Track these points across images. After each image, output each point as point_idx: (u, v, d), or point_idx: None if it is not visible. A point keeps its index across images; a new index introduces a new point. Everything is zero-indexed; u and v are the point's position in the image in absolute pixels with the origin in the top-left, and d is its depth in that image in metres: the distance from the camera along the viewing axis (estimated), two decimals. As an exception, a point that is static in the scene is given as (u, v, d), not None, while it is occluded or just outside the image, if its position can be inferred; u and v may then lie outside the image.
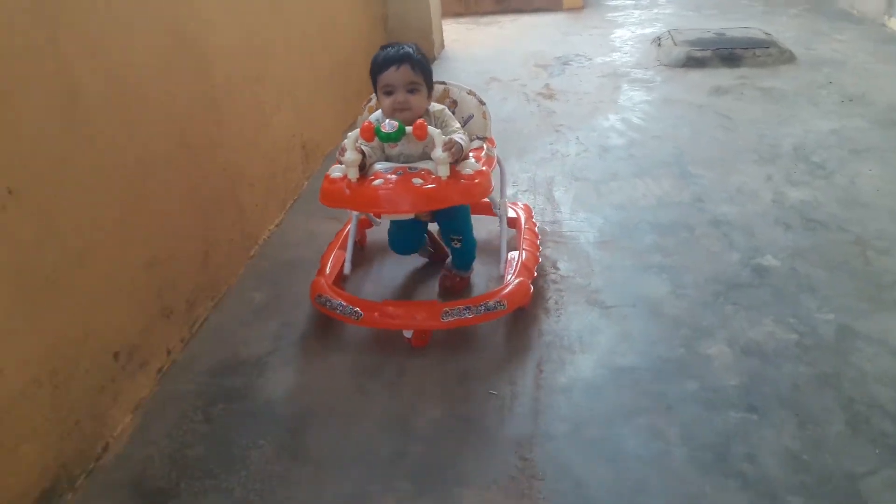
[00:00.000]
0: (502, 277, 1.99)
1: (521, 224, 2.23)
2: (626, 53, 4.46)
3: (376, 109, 1.98)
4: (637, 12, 5.63)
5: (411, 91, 1.82)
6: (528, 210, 2.35)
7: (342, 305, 1.88)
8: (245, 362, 1.88)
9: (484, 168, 1.79)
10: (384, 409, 1.68)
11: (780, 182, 2.59)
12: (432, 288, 2.11)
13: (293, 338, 1.96)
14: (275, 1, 2.63)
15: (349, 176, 1.74)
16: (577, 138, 3.15)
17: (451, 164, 1.72)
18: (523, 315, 1.94)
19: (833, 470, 1.41)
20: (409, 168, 1.77)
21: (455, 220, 2.00)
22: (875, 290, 1.93)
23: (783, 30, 4.59)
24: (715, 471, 1.44)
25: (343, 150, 1.73)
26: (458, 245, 2.02)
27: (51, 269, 1.46)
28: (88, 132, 1.57)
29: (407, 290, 2.13)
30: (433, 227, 2.15)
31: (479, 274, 2.13)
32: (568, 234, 2.35)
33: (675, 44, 4.29)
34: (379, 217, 2.26)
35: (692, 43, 4.26)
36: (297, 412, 1.70)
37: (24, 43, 1.39)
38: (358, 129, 1.72)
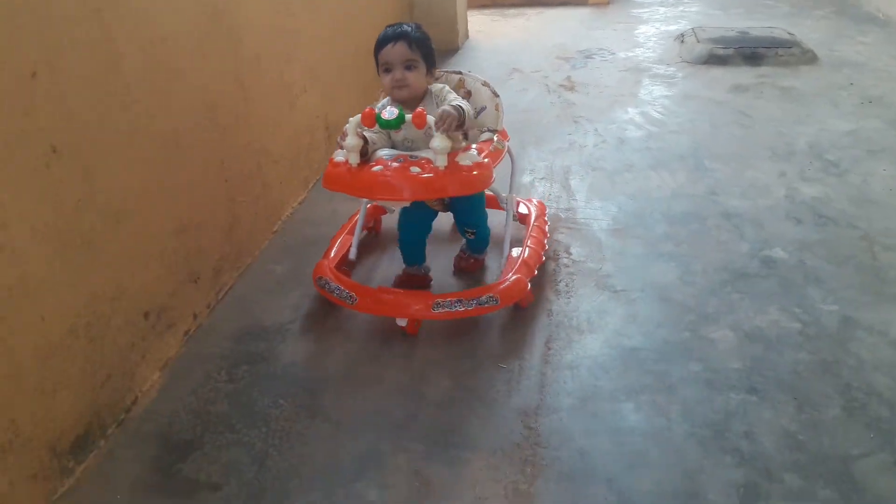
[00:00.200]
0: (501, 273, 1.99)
1: (530, 221, 2.22)
2: (649, 49, 4.49)
3: None
4: (662, 9, 5.64)
5: (409, 68, 1.85)
6: (541, 207, 2.33)
7: (339, 289, 1.94)
8: (267, 329, 1.96)
9: (485, 160, 1.78)
10: (397, 377, 1.76)
11: (793, 178, 2.63)
12: (440, 278, 2.13)
13: (312, 309, 2.04)
14: (305, -16, 2.71)
15: (350, 161, 1.76)
16: (596, 130, 3.20)
17: (451, 145, 1.70)
18: (533, 295, 2.01)
19: (828, 451, 1.47)
20: (411, 156, 1.79)
21: (470, 214, 2.04)
22: (879, 284, 1.98)
23: (808, 31, 4.60)
24: (713, 447, 1.50)
25: (344, 135, 1.75)
26: (472, 237, 2.08)
27: (89, 228, 1.55)
28: (126, 100, 1.65)
29: None
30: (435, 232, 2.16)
31: (488, 265, 2.17)
32: (582, 220, 2.41)
33: (698, 41, 4.32)
34: (382, 203, 2.25)
35: (715, 41, 4.29)
36: (315, 376, 1.78)
37: (71, 13, 1.47)
38: (359, 115, 1.72)
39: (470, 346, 1.85)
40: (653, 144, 3.02)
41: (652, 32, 4.90)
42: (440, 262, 2.18)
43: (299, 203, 2.63)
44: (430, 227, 2.10)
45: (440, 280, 2.12)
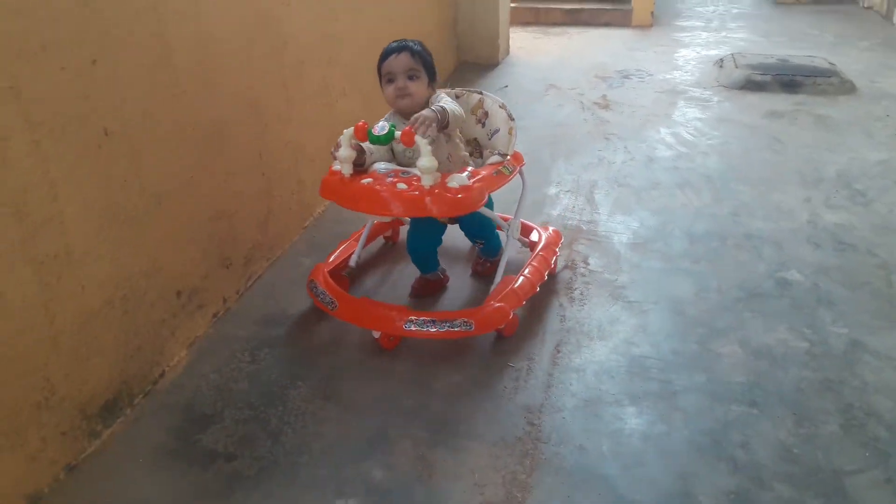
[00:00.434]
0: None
1: (535, 249, 2.16)
2: (688, 72, 4.53)
3: None
4: (705, 34, 5.66)
5: (411, 77, 1.90)
6: (554, 237, 2.23)
7: (324, 294, 1.97)
8: (291, 317, 2.06)
9: (474, 184, 1.76)
10: (409, 369, 1.84)
11: (817, 204, 2.65)
12: (456, 281, 2.19)
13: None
14: (352, -7, 2.83)
15: (343, 171, 1.80)
16: (626, 147, 3.25)
17: (438, 165, 1.70)
18: (548, 301, 2.07)
19: (822, 465, 1.50)
20: (402, 172, 1.81)
21: (476, 227, 2.08)
22: (892, 311, 2.00)
23: (850, 62, 4.58)
24: (709, 453, 1.54)
25: (338, 146, 1.79)
26: (482, 246, 2.15)
27: (132, 207, 1.66)
28: (175, 91, 1.77)
29: (412, 303, 2.13)
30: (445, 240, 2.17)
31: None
32: (602, 233, 2.47)
33: (737, 66, 4.34)
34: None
35: (753, 67, 4.31)
36: (332, 363, 1.87)
37: (129, 8, 1.60)
38: (353, 127, 1.75)
39: (481, 345, 1.91)
40: (681, 164, 3.06)
41: (692, 56, 4.93)
42: (460, 263, 2.26)
43: (331, 202, 2.72)
44: (439, 240, 2.11)
45: (456, 282, 2.19)
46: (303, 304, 2.10)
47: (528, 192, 2.17)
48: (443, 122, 1.79)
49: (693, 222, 2.54)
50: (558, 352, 1.88)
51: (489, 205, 2.07)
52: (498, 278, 1.99)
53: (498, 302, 1.89)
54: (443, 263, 2.17)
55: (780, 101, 3.87)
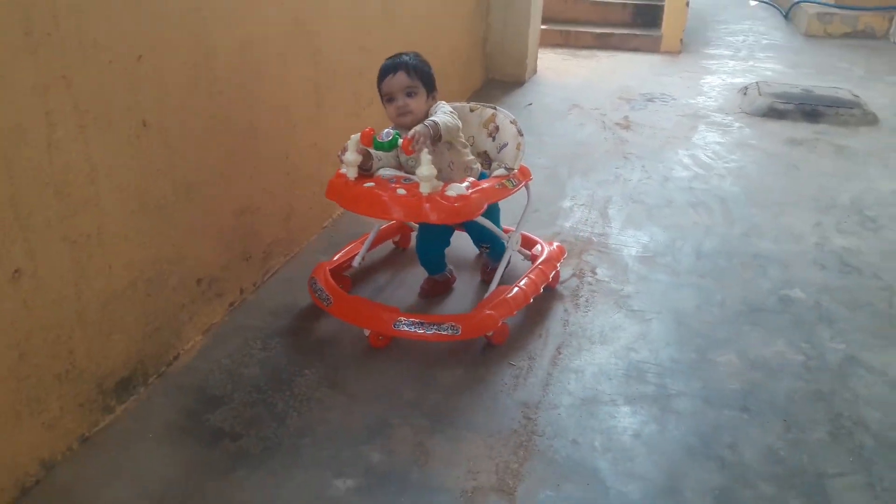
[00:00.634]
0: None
1: (535, 261, 2.21)
2: (711, 98, 4.58)
3: None
4: (732, 63, 5.71)
5: (409, 94, 1.95)
6: (558, 252, 2.28)
7: (322, 290, 2.04)
8: (303, 310, 2.15)
9: (471, 194, 1.83)
10: (413, 362, 1.91)
11: (827, 229, 2.68)
12: (464, 282, 2.26)
13: (348, 296, 2.21)
14: (387, 8, 2.95)
15: (348, 174, 1.89)
16: (643, 166, 3.32)
17: (436, 172, 1.77)
18: (553, 306, 2.14)
19: (806, 468, 1.55)
20: (405, 179, 1.89)
21: (481, 231, 2.13)
22: (891, 330, 2.03)
23: (876, 95, 4.60)
24: (698, 453, 1.60)
25: (345, 150, 1.88)
26: (487, 251, 2.22)
27: (162, 195, 1.77)
28: (212, 89, 1.89)
29: (421, 302, 2.21)
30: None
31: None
32: (613, 245, 2.53)
33: (760, 94, 4.39)
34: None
35: (777, 95, 4.35)
36: (339, 353, 1.95)
37: (174, 8, 1.72)
38: (359, 133, 1.84)
39: (485, 344, 1.98)
40: (696, 185, 3.11)
41: (717, 83, 4.99)
42: (468, 266, 2.33)
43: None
44: (447, 242, 2.18)
45: (465, 287, 2.26)
46: (315, 300, 2.19)
47: (532, 206, 2.23)
48: (435, 136, 1.84)
49: (703, 240, 2.59)
50: (559, 353, 1.94)
51: (495, 214, 2.15)
52: (493, 286, 2.05)
53: (489, 310, 1.95)
54: (452, 267, 2.26)
55: (801, 130, 3.91)
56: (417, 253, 2.22)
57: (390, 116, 2.01)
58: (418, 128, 1.83)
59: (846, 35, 6.61)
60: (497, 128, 2.18)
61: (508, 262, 2.14)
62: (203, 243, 1.97)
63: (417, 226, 2.25)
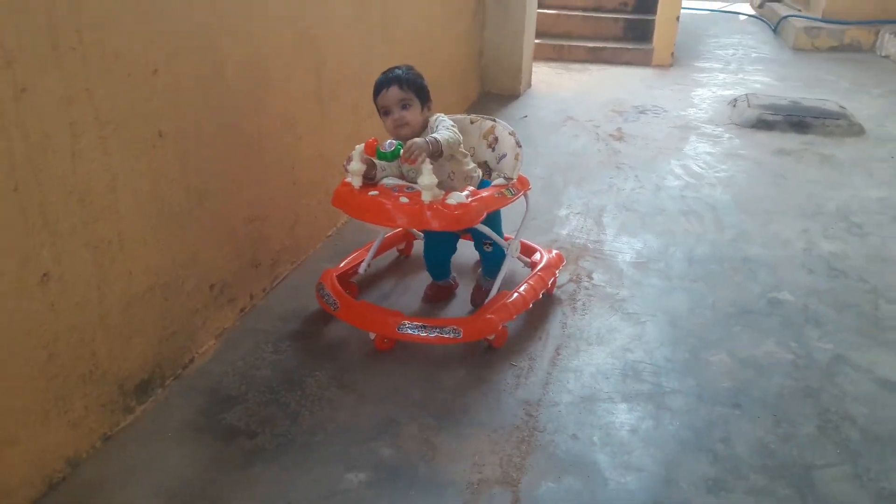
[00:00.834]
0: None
1: (534, 268, 2.29)
2: (702, 110, 4.70)
3: None
4: (722, 75, 5.84)
5: (404, 107, 2.01)
6: (556, 259, 2.36)
7: (329, 295, 2.11)
8: (311, 315, 2.22)
9: (471, 203, 1.89)
10: (419, 364, 1.99)
11: (815, 235, 2.79)
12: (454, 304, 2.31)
13: (354, 301, 2.29)
14: (388, 23, 3.04)
15: (353, 183, 1.97)
16: (636, 176, 3.42)
17: (437, 181, 1.85)
18: (551, 310, 2.23)
19: (795, 459, 1.63)
20: (407, 188, 1.96)
21: (483, 233, 2.16)
22: (876, 331, 2.13)
23: (861, 107, 4.72)
24: (692, 446, 1.68)
25: (349, 160, 1.95)
26: (490, 248, 2.22)
27: (177, 203, 1.85)
28: (223, 101, 1.97)
29: (421, 307, 2.28)
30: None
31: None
32: (608, 252, 2.62)
33: (750, 106, 4.51)
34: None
35: (766, 107, 4.47)
36: (348, 355, 2.03)
37: (186, 24, 1.81)
38: (363, 144, 1.91)
39: (487, 346, 2.06)
40: (688, 194, 3.21)
41: (707, 95, 5.10)
42: (471, 272, 2.42)
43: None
44: (454, 248, 2.27)
45: (466, 290, 2.34)
46: (322, 305, 2.26)
47: (530, 214, 2.31)
48: (435, 152, 1.91)
49: (694, 246, 2.68)
50: (558, 354, 2.02)
51: (497, 222, 2.22)
52: (494, 291, 2.12)
53: (490, 314, 2.02)
54: (455, 274, 2.34)
55: (789, 140, 4.02)
56: (425, 259, 2.30)
57: (388, 129, 2.08)
58: (418, 141, 1.90)
59: (833, 48, 6.75)
60: (496, 139, 2.25)
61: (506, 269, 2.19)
62: (215, 250, 2.04)
63: (423, 233, 2.33)
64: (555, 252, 2.42)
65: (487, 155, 2.28)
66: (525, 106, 4.68)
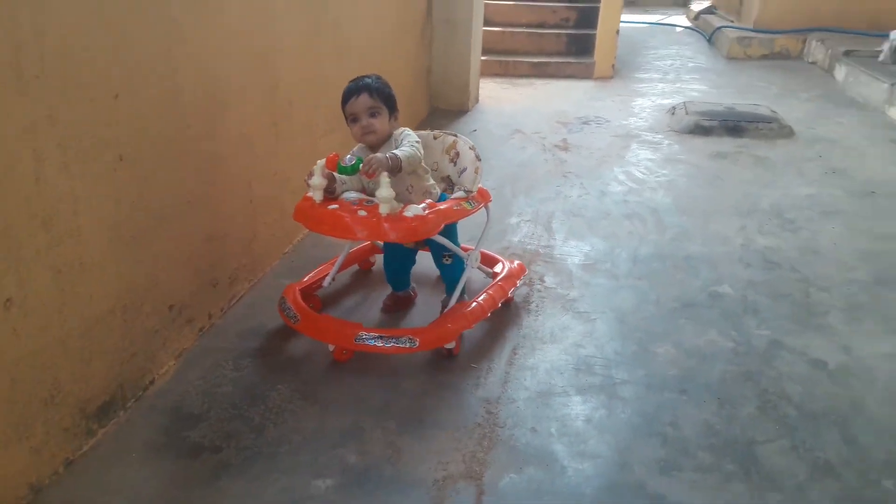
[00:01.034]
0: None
1: (495, 278, 2.35)
2: (642, 119, 4.88)
3: None
4: (661, 85, 6.06)
5: (373, 115, 2.05)
6: (517, 270, 2.43)
7: (290, 309, 2.15)
8: (270, 331, 2.25)
9: (427, 215, 1.95)
10: (380, 371, 2.05)
11: (751, 231, 2.95)
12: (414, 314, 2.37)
13: (313, 316, 2.33)
14: (338, 44, 3.12)
15: (315, 198, 2.00)
16: (581, 184, 3.55)
17: (395, 194, 1.90)
18: (507, 313, 2.31)
19: (738, 437, 1.75)
20: (367, 201, 2.01)
21: (442, 248, 2.23)
22: (808, 317, 2.27)
23: (790, 111, 4.97)
24: (643, 431, 1.78)
25: (311, 175, 1.98)
26: (449, 261, 2.28)
27: (137, 226, 1.87)
28: (182, 123, 2.01)
29: (384, 318, 2.34)
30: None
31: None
32: (558, 256, 2.73)
33: (687, 113, 4.71)
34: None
35: (702, 113, 4.67)
36: (309, 368, 2.07)
37: (148, 50, 1.84)
38: (325, 159, 1.95)
39: (446, 350, 2.13)
40: (631, 198, 3.35)
41: (647, 105, 5.30)
42: (430, 282, 2.49)
43: (309, 230, 2.96)
44: (413, 260, 2.34)
45: (425, 300, 2.41)
46: (281, 321, 2.29)
47: (490, 226, 2.38)
48: (394, 167, 1.95)
49: (638, 247, 2.81)
50: (515, 354, 2.11)
51: (453, 234, 2.28)
52: (453, 301, 2.18)
53: (448, 323, 2.08)
54: (414, 284, 2.41)
55: (725, 144, 4.22)
56: (385, 270, 2.36)
57: (355, 136, 2.12)
58: (377, 156, 1.94)
59: (764, 56, 7.07)
60: (458, 153, 2.31)
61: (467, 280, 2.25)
62: (174, 271, 2.07)
63: (382, 245, 2.39)
64: (517, 263, 2.49)
65: (450, 169, 2.33)
66: (474, 120, 4.80)
